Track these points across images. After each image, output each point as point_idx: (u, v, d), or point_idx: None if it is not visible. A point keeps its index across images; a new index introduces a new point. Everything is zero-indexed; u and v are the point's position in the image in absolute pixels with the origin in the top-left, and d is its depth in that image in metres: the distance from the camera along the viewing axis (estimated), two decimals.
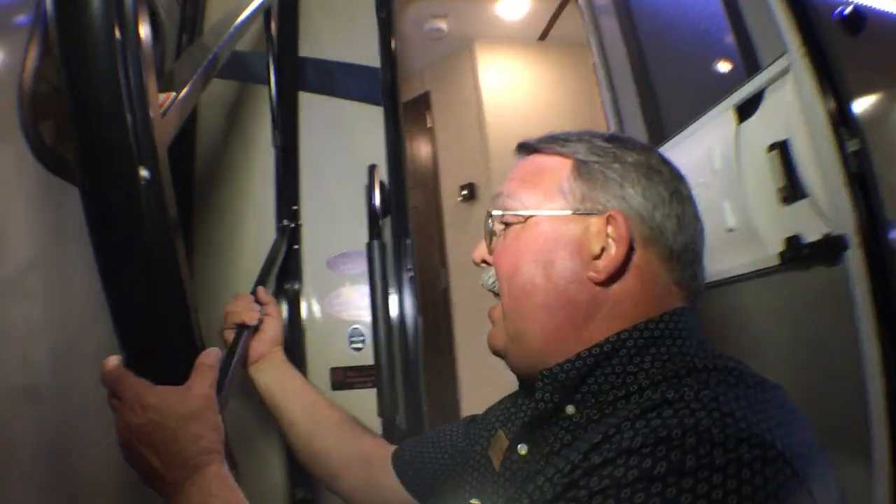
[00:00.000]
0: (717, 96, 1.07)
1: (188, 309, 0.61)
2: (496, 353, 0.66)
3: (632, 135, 2.05)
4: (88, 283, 1.02)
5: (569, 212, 0.60)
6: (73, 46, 0.51)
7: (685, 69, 1.35)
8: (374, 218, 1.22)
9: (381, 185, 1.54)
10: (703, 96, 1.13)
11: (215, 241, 1.55)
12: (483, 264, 0.68)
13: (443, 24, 3.31)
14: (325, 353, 1.49)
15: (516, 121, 3.18)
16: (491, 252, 0.66)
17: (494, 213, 0.65)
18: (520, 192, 0.64)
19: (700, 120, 1.11)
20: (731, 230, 1.04)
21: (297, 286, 1.51)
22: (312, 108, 1.67)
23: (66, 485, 0.87)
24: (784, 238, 0.92)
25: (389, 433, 1.10)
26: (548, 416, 0.57)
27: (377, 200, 1.26)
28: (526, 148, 0.69)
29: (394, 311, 1.50)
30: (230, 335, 0.98)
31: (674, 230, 0.59)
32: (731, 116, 1.01)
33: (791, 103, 0.87)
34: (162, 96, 0.66)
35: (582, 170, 0.61)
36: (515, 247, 0.62)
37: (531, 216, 0.62)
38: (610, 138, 0.64)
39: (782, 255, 0.93)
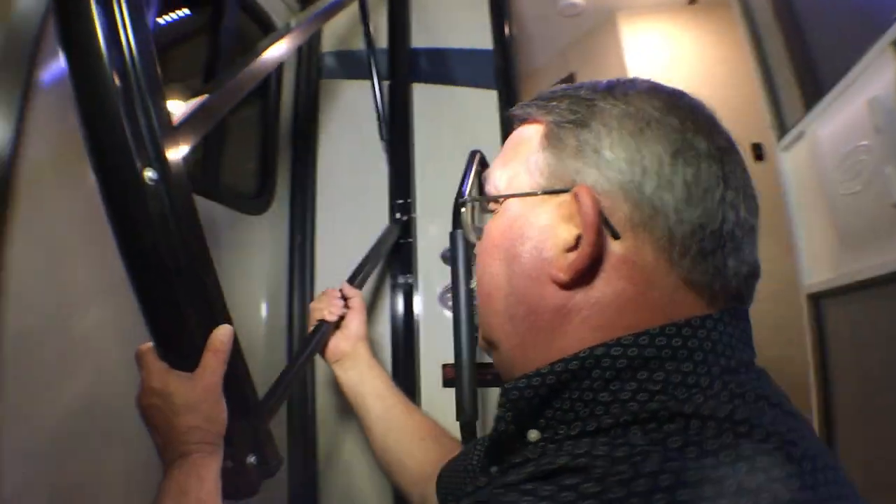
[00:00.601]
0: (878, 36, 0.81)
1: (206, 299, 0.65)
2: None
3: (785, 98, 1.69)
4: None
5: (536, 192, 0.47)
6: (81, 74, 0.59)
7: (838, 9, 1.05)
8: (458, 206, 1.17)
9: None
10: (862, 39, 0.87)
11: (338, 238, 1.65)
12: None
13: None
14: (438, 349, 1.47)
15: None
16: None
17: (463, 199, 0.57)
18: (494, 173, 0.53)
19: (855, 68, 0.84)
20: None
21: (410, 280, 1.54)
22: (427, 98, 1.69)
23: None
24: None
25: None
26: (512, 439, 0.46)
27: (467, 187, 1.21)
28: (515, 117, 0.55)
29: None
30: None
31: (676, 204, 0.42)
32: (890, 56, 0.75)
33: None
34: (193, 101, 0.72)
35: (552, 136, 0.47)
36: (487, 240, 0.52)
37: (503, 201, 0.50)
38: (605, 86, 0.48)
39: None
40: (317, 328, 0.99)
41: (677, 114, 0.45)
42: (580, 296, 0.44)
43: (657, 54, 3.19)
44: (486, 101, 1.59)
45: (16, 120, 0.78)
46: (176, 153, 0.63)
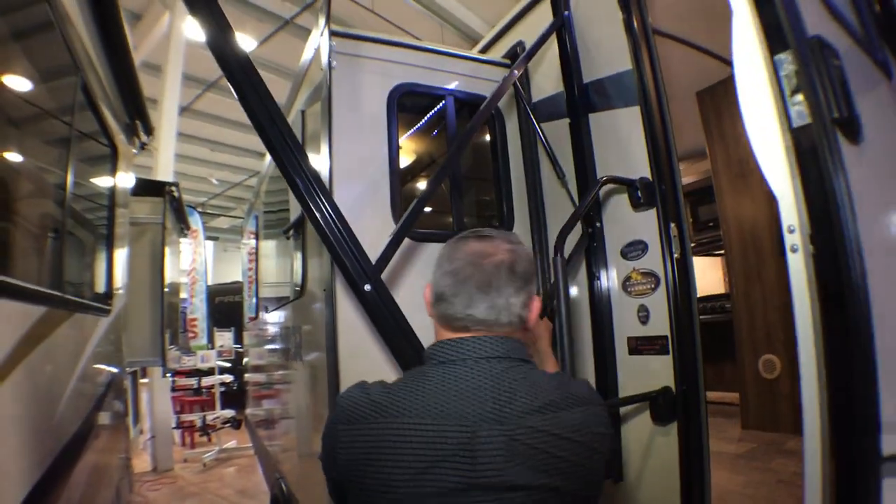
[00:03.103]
0: None
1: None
2: None
3: None
4: None
5: None
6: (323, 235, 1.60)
7: None
8: (563, 233, 1.78)
9: (639, 180, 1.98)
10: None
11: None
12: None
13: None
14: (625, 325, 2.05)
15: None
16: None
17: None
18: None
19: None
20: None
21: (598, 274, 2.15)
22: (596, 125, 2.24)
23: None
24: None
25: None
26: None
27: (582, 210, 1.83)
28: None
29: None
30: None
31: (434, 290, 1.06)
32: None
33: None
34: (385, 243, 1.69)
35: None
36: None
37: None
38: None
39: None
40: None
41: (445, 252, 1.08)
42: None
43: None
44: (632, 117, 2.04)
45: None
46: (378, 274, 1.60)
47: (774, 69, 1.08)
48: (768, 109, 1.11)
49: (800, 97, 1.06)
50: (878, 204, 1.29)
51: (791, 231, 1.08)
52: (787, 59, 1.07)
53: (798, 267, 1.07)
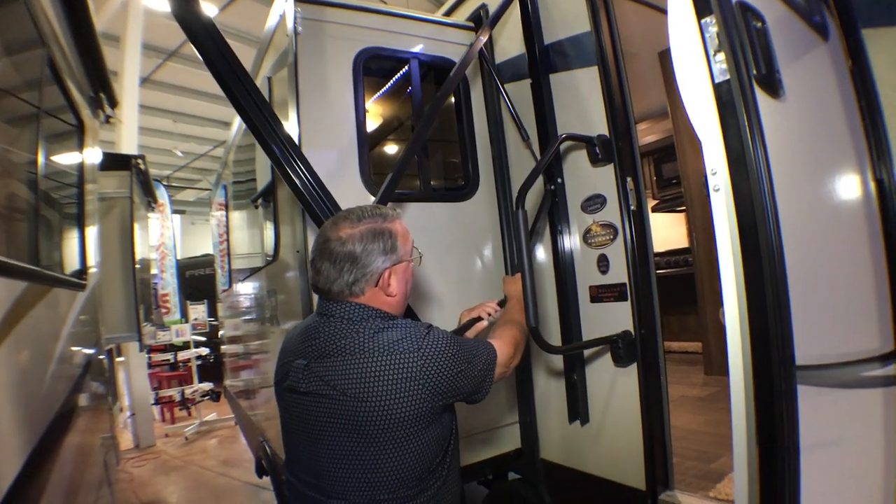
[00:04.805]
0: None
1: None
2: None
3: None
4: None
5: None
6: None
7: None
8: (524, 189, 1.90)
9: (597, 137, 2.10)
10: None
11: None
12: None
13: None
14: (585, 275, 2.19)
15: None
16: None
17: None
18: None
19: None
20: None
21: (560, 228, 2.29)
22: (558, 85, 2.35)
23: None
24: None
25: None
26: None
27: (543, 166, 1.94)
28: None
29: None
30: (465, 316, 1.89)
31: None
32: None
33: None
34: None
35: None
36: None
37: None
38: None
39: None
40: (475, 319, 1.84)
41: None
42: None
43: None
44: (590, 77, 2.14)
45: None
46: None
47: (701, 31, 1.21)
48: (697, 67, 1.25)
49: (721, 56, 1.20)
50: (801, 148, 1.44)
51: (714, 173, 1.23)
52: (711, 22, 1.21)
53: (720, 206, 1.23)
